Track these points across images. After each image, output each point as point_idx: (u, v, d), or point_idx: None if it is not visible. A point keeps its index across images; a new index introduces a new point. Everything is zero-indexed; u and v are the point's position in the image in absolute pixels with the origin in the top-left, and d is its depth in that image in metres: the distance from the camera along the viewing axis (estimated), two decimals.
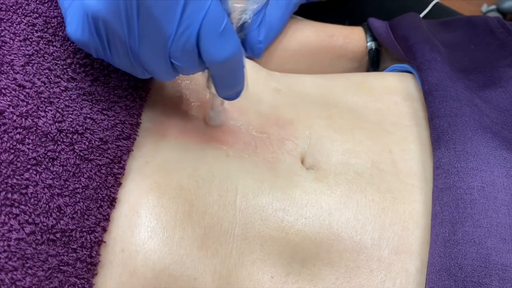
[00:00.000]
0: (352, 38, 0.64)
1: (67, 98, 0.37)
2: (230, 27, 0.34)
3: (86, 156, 0.36)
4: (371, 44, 0.64)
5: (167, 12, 0.32)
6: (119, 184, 0.38)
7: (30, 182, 0.33)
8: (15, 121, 0.34)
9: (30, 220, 0.32)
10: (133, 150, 0.39)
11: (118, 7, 0.32)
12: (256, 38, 0.37)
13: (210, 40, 0.33)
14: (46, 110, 0.36)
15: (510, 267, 0.36)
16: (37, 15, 0.39)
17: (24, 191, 0.33)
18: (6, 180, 0.32)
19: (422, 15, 0.76)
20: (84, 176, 0.36)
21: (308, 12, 0.71)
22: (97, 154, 0.37)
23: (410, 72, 0.56)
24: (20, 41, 0.37)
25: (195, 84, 0.45)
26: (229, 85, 0.38)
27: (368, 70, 0.66)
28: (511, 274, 0.36)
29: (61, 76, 0.38)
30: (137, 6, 0.32)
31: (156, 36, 0.33)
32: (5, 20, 0.37)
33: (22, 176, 0.33)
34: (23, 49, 0.37)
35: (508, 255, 0.37)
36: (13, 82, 0.35)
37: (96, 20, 0.33)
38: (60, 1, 0.36)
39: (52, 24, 0.39)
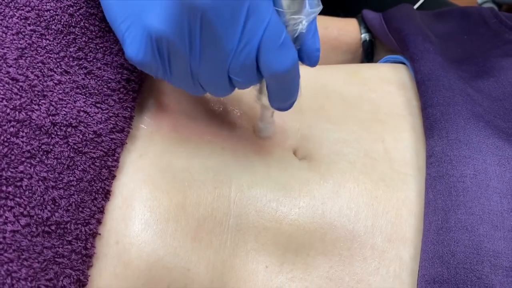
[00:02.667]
0: (347, 29, 0.65)
1: (60, 92, 0.37)
2: (288, 38, 0.34)
3: (80, 149, 0.37)
4: (365, 36, 0.64)
5: (229, 28, 0.32)
6: (113, 176, 0.38)
7: (25, 175, 0.33)
8: (8, 114, 0.34)
9: (25, 212, 0.33)
10: (127, 143, 0.40)
11: (182, 26, 0.32)
12: (314, 47, 0.37)
13: (271, 53, 0.33)
14: (40, 103, 0.36)
15: (501, 253, 0.37)
16: (30, 9, 0.39)
17: (19, 183, 0.33)
18: (0, 173, 0.32)
19: (416, 6, 0.76)
20: (79, 169, 0.36)
21: None
22: (91, 147, 0.37)
23: (404, 63, 0.56)
24: (13, 34, 0.37)
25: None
26: (285, 96, 0.38)
27: (362, 62, 0.66)
28: (503, 261, 0.37)
29: (54, 69, 0.38)
30: (201, 24, 0.32)
31: (217, 52, 0.33)
32: None
33: (16, 169, 0.33)
34: (16, 43, 0.37)
35: (499, 242, 0.37)
36: (6, 75, 0.35)
37: (160, 41, 0.33)
38: (115, 25, 0.36)
39: (45, 18, 0.39)
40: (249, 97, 0.47)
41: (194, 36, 0.33)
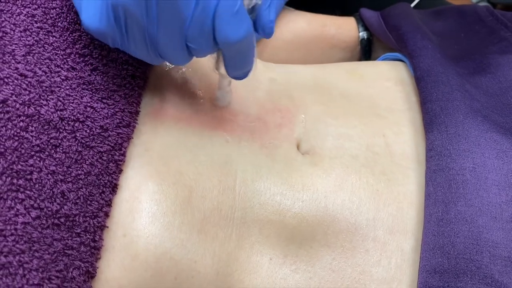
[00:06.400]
0: (345, 28, 0.65)
1: (67, 87, 0.38)
2: (243, 8, 0.35)
3: (88, 143, 0.37)
4: (363, 34, 0.65)
5: None
6: (120, 170, 0.38)
7: (34, 168, 0.34)
8: (18, 109, 0.35)
9: (35, 205, 0.33)
10: (133, 138, 0.40)
11: None
12: (268, 18, 0.38)
13: (225, 21, 0.35)
14: (48, 98, 0.36)
15: (500, 244, 0.38)
16: (36, 6, 0.40)
17: (29, 177, 0.34)
18: (11, 166, 0.33)
19: (413, 5, 0.77)
20: (86, 163, 0.37)
21: (299, 3, 0.72)
22: (98, 141, 0.38)
23: (402, 61, 0.57)
24: (21, 31, 0.38)
25: (192, 71, 0.46)
26: (240, 65, 0.39)
27: (360, 60, 0.67)
28: (502, 251, 0.38)
29: (61, 65, 0.39)
30: None
31: (174, 19, 0.34)
32: (5, 11, 0.38)
33: (26, 163, 0.34)
34: (24, 40, 0.38)
35: (498, 232, 0.38)
36: (15, 71, 0.36)
37: (116, 7, 0.34)
38: None
39: (51, 15, 0.40)
40: (255, 93, 0.48)
41: (151, 3, 0.34)
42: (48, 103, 0.36)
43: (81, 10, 0.36)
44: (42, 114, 0.36)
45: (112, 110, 0.39)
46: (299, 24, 0.64)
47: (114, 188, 0.38)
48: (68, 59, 0.39)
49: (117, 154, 0.38)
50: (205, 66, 0.47)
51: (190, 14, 0.34)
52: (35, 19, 0.39)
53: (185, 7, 0.34)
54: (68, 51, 0.39)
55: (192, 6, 0.34)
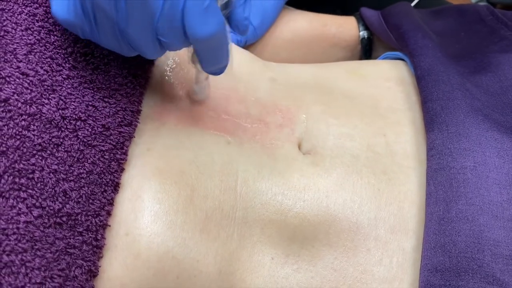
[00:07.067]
0: (345, 27, 0.65)
1: (69, 86, 0.38)
2: (213, 4, 0.34)
3: (90, 142, 0.37)
4: (363, 33, 0.65)
5: None
6: (122, 169, 0.38)
7: (36, 167, 0.34)
8: (20, 108, 0.35)
9: (37, 204, 0.33)
10: (134, 137, 0.40)
11: None
12: (242, 15, 0.37)
13: (194, 16, 0.34)
14: (50, 97, 0.37)
15: (501, 242, 0.38)
16: (37, 5, 0.40)
17: (31, 175, 0.34)
18: (13, 165, 0.33)
19: (413, 4, 0.77)
20: (88, 162, 0.37)
21: (300, 2, 0.72)
22: (100, 140, 0.38)
23: (403, 59, 0.57)
24: (22, 30, 0.38)
25: (194, 72, 0.46)
26: (213, 61, 0.38)
27: (361, 59, 0.67)
28: (503, 250, 0.38)
29: (63, 64, 0.39)
30: None
31: (143, 12, 0.34)
32: (6, 10, 0.38)
33: (28, 161, 0.34)
34: (25, 38, 0.38)
35: (499, 231, 0.38)
36: (17, 70, 0.36)
37: None
38: None
39: None
40: (255, 94, 0.48)
41: None
42: (50, 102, 0.36)
43: (52, 1, 0.36)
44: (44, 113, 0.36)
45: (114, 109, 0.39)
46: (299, 23, 0.64)
47: (116, 186, 0.38)
48: (70, 58, 0.39)
49: (119, 153, 0.38)
50: None
51: (159, 9, 0.34)
52: (36, 18, 0.39)
53: (154, 2, 0.33)
54: (69, 50, 0.39)
55: (161, 1, 0.33)
